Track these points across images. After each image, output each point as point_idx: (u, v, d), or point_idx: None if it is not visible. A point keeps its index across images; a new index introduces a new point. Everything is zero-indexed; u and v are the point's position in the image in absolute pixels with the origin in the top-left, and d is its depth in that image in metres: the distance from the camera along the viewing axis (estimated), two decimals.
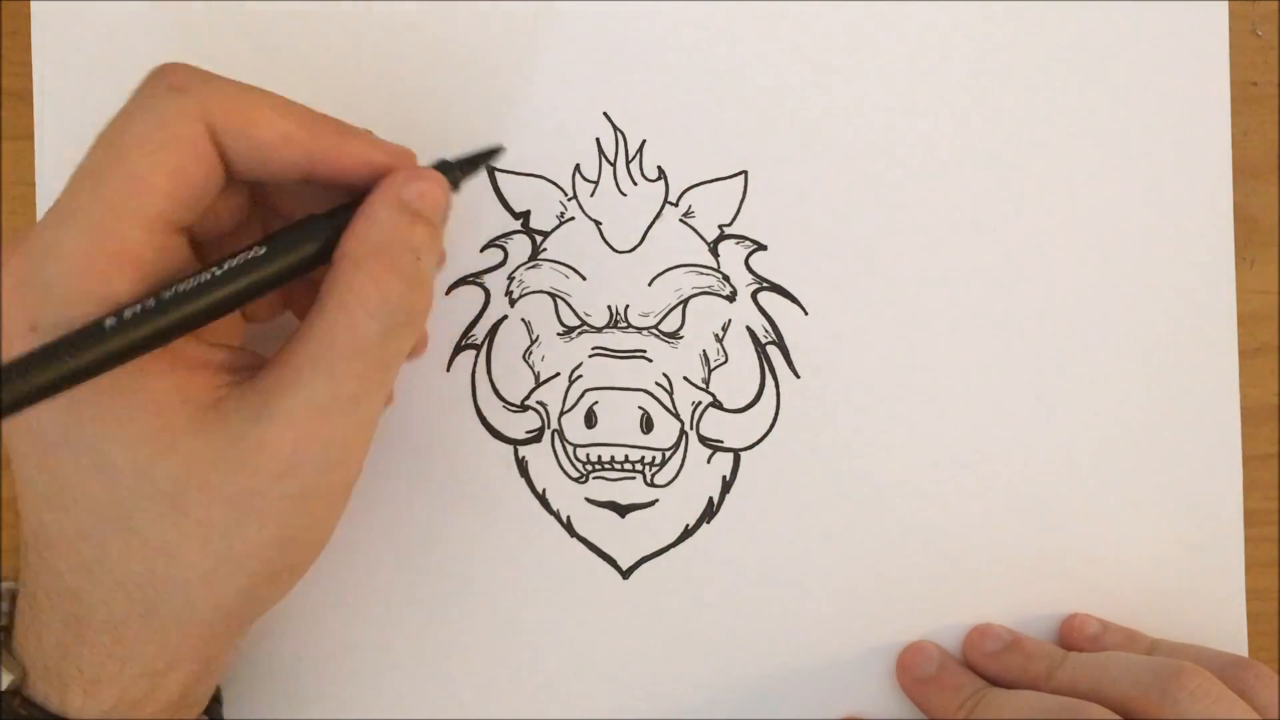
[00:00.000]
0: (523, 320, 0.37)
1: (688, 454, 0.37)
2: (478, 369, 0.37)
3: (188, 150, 0.27)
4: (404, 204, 0.28)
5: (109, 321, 0.26)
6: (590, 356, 0.37)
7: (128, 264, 0.26)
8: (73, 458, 0.27)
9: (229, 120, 0.27)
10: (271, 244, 0.28)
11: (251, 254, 0.28)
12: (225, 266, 0.28)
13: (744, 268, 0.37)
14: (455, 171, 0.31)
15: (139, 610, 0.28)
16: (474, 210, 0.37)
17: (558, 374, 0.37)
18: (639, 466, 0.37)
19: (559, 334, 0.37)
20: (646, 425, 0.37)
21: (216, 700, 0.33)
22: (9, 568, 0.37)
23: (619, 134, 0.37)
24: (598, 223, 0.37)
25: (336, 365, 0.27)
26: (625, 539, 0.37)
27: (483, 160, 0.32)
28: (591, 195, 0.37)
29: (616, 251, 0.37)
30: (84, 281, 0.26)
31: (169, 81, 0.27)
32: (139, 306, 0.26)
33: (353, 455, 0.29)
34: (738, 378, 0.37)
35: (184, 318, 0.27)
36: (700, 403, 0.37)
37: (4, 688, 0.29)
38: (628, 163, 0.37)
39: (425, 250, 0.28)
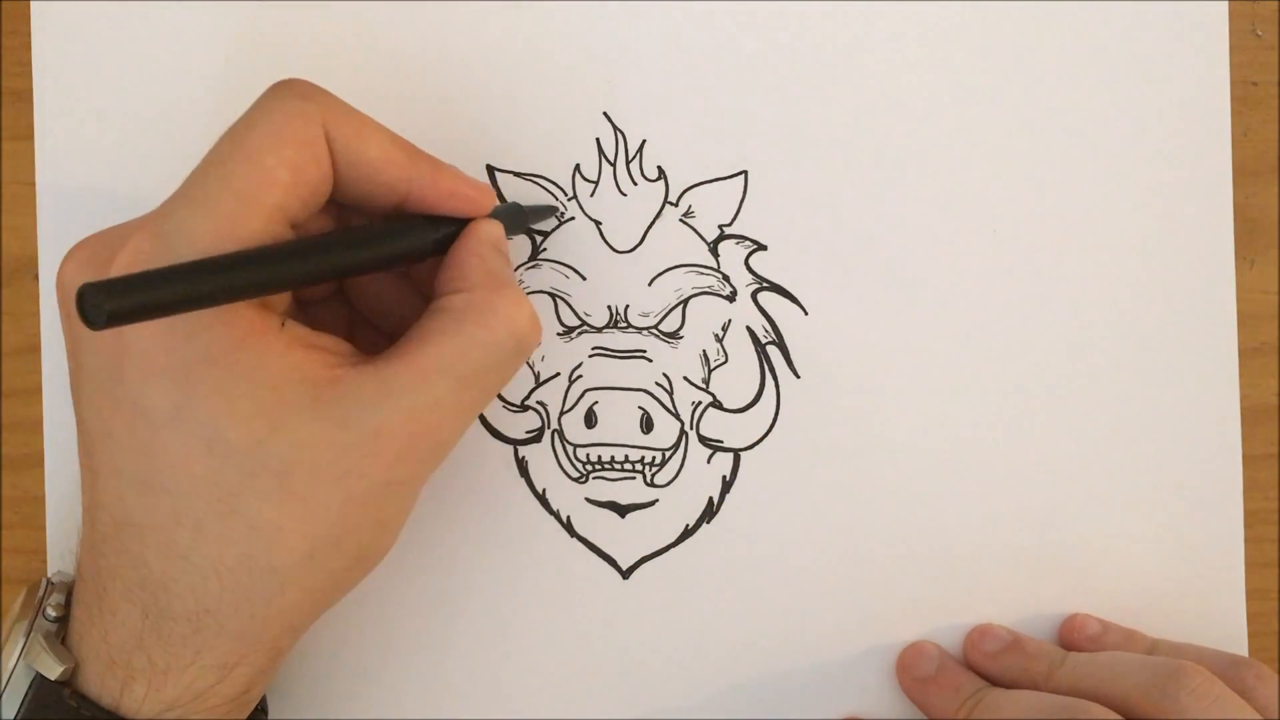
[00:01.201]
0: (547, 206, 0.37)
1: (688, 454, 0.37)
2: None
3: (308, 150, 0.29)
4: (497, 245, 0.32)
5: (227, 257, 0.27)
6: (590, 356, 0.37)
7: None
8: (182, 435, 0.27)
9: (345, 133, 0.29)
10: (384, 227, 0.31)
11: (366, 229, 0.30)
12: (339, 233, 0.29)
13: (744, 268, 0.37)
14: (516, 219, 0.35)
15: (230, 598, 0.28)
16: None
17: (558, 374, 0.37)
18: (639, 466, 0.37)
19: (559, 334, 0.37)
20: (646, 425, 0.37)
21: (262, 710, 0.33)
22: (9, 567, 0.37)
23: (619, 134, 0.37)
24: (598, 223, 0.37)
25: (467, 375, 0.29)
26: (625, 539, 0.37)
27: (537, 217, 0.36)
28: (591, 195, 0.37)
29: (616, 251, 0.37)
30: None
31: (295, 90, 0.30)
32: (258, 249, 0.27)
33: (445, 454, 0.30)
34: (738, 378, 0.37)
35: (301, 268, 0.28)
36: (700, 403, 0.37)
37: (53, 678, 0.29)
38: (628, 163, 0.37)
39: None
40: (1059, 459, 0.38)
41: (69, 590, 0.31)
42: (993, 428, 0.37)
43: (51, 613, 0.31)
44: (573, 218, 0.37)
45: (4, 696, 0.29)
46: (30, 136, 0.37)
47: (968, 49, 0.37)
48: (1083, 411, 0.38)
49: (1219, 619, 0.38)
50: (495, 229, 0.32)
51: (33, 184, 0.37)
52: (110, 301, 0.24)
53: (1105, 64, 0.37)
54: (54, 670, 0.29)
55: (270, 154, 0.28)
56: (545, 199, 0.37)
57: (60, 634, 0.30)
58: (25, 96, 0.37)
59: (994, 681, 0.36)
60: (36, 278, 0.37)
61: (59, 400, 0.36)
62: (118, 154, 0.37)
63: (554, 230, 0.37)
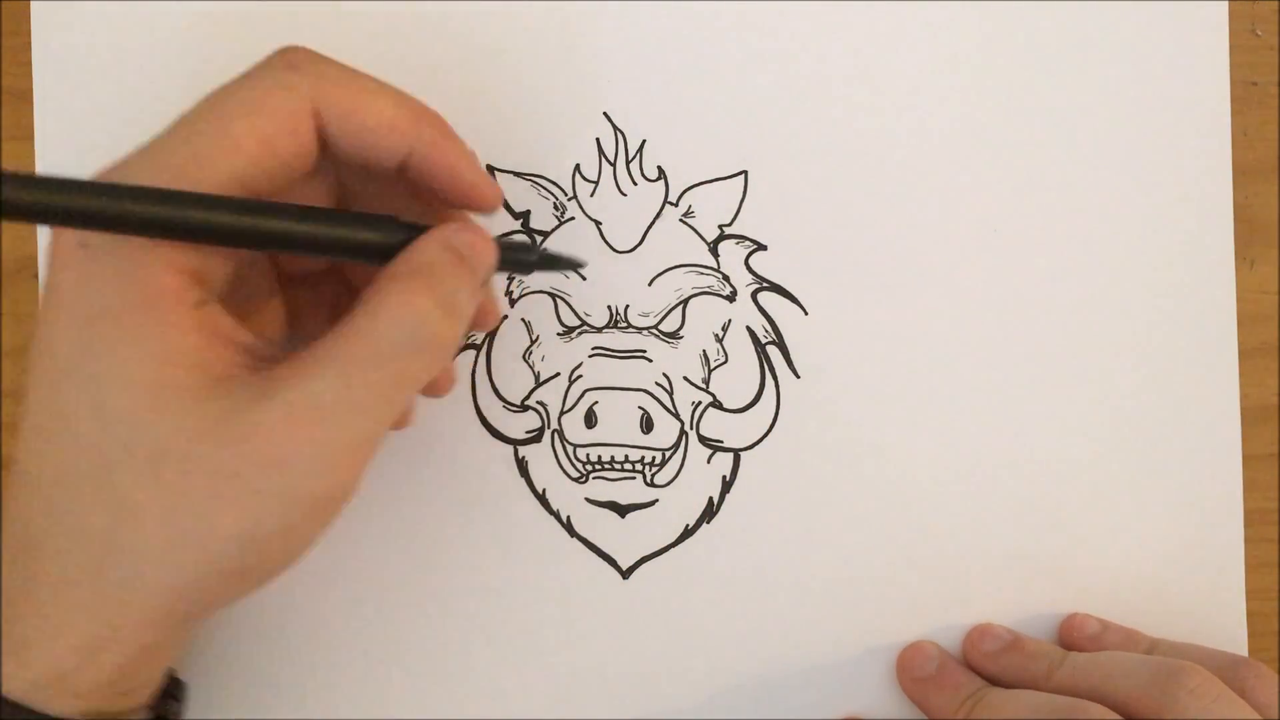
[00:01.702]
0: (523, 320, 0.37)
1: (688, 454, 0.37)
2: (478, 369, 0.37)
3: (284, 123, 0.28)
4: (453, 246, 0.29)
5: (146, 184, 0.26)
6: (590, 356, 0.37)
7: None
8: (75, 390, 0.26)
9: (336, 102, 0.28)
10: (340, 213, 0.29)
11: (318, 208, 0.28)
12: (282, 203, 0.28)
13: (744, 268, 0.37)
14: (525, 253, 0.31)
15: (88, 568, 0.27)
16: None
17: (558, 374, 0.37)
18: (639, 466, 0.37)
19: (559, 334, 0.37)
20: (646, 425, 0.37)
21: (174, 698, 0.32)
22: None
23: (619, 134, 0.37)
24: (598, 223, 0.37)
25: (350, 369, 0.27)
26: (625, 539, 0.37)
27: (558, 265, 0.32)
28: (591, 195, 0.37)
29: (616, 251, 0.37)
30: None
31: (285, 59, 0.29)
32: (179, 192, 0.26)
33: (342, 467, 0.27)
34: (738, 378, 0.37)
35: (230, 223, 0.27)
36: (700, 403, 0.37)
37: None
38: (628, 163, 0.37)
39: (463, 288, 0.28)
40: (1059, 459, 0.38)
41: None
42: (993, 428, 0.37)
43: None
44: (573, 218, 0.37)
45: None
46: (30, 136, 0.37)
47: (968, 49, 0.37)
48: (1083, 411, 0.38)
49: (1219, 619, 0.38)
50: (462, 235, 0.29)
51: None
52: (14, 192, 0.24)
53: (1106, 64, 0.37)
54: None
55: (240, 121, 0.27)
56: (544, 199, 0.37)
57: None
58: (25, 96, 0.37)
59: (994, 681, 0.36)
60: (36, 277, 0.37)
61: None
62: (118, 154, 0.37)
63: (554, 230, 0.37)
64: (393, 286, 0.27)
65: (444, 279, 0.28)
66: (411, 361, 0.28)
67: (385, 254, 0.29)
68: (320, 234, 0.28)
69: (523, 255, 0.31)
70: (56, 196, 0.25)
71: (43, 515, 0.27)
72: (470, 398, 0.37)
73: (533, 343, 0.37)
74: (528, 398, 0.37)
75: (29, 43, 0.37)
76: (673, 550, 0.37)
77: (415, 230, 0.29)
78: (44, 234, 0.37)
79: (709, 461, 0.37)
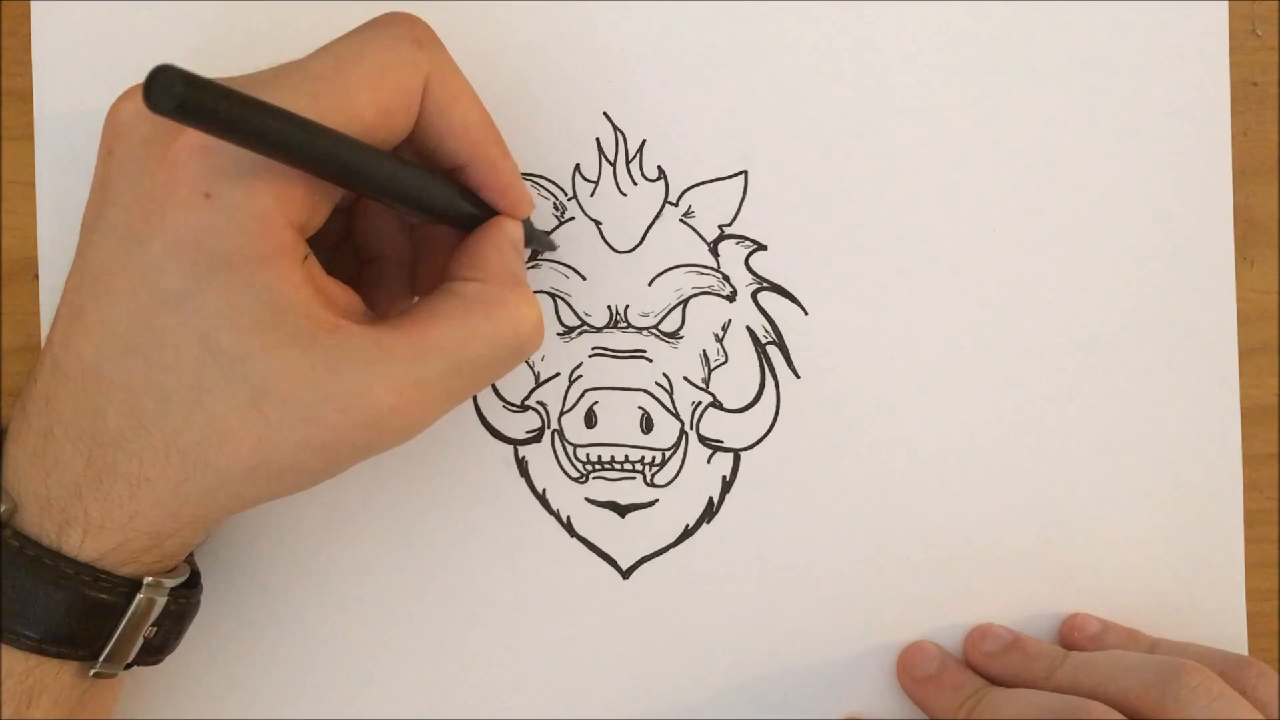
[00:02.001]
0: (549, 237, 0.37)
1: (688, 454, 0.37)
2: None
3: (402, 99, 0.29)
4: (517, 246, 0.32)
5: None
6: (590, 356, 0.37)
7: None
8: (181, 319, 0.27)
9: (441, 91, 0.30)
10: (437, 178, 0.31)
11: (422, 171, 0.30)
12: (401, 161, 0.30)
13: (744, 268, 0.37)
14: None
15: (171, 476, 0.29)
16: None
17: (558, 374, 0.37)
18: (639, 466, 0.37)
19: (559, 334, 0.37)
20: (646, 425, 0.37)
21: (194, 569, 0.34)
22: None
23: (619, 134, 0.37)
24: (598, 223, 0.37)
25: (461, 363, 0.29)
26: (625, 539, 0.37)
27: (541, 245, 0.37)
28: (591, 195, 0.37)
29: (616, 251, 0.37)
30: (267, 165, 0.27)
31: (413, 33, 0.30)
32: (332, 130, 0.27)
33: (413, 434, 0.30)
34: (738, 378, 0.37)
35: (366, 166, 0.28)
36: (700, 403, 0.37)
37: None
38: (628, 163, 0.37)
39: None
40: (1059, 459, 0.38)
41: (1, 430, 0.31)
42: (992, 428, 0.37)
43: None
44: (573, 217, 0.37)
45: None
46: (30, 136, 0.37)
47: (968, 49, 0.37)
48: (1083, 411, 0.38)
49: (1219, 619, 0.38)
50: (518, 230, 0.32)
51: (33, 184, 0.37)
52: (187, 89, 0.23)
53: (1106, 64, 0.37)
54: None
55: (365, 91, 0.28)
56: (544, 199, 0.37)
57: None
58: (25, 96, 0.37)
59: (994, 681, 0.36)
60: (37, 278, 0.37)
61: None
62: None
63: (554, 230, 0.37)
64: (510, 296, 0.30)
65: (523, 278, 0.32)
66: (506, 364, 0.31)
67: (454, 219, 0.32)
68: (422, 191, 0.30)
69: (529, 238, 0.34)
70: (227, 107, 0.25)
71: (122, 417, 0.28)
72: (470, 398, 0.37)
73: None
74: (528, 398, 0.37)
75: (29, 43, 0.36)
76: (673, 550, 0.37)
77: (487, 211, 0.32)
78: (45, 235, 0.37)
79: (709, 461, 0.37)
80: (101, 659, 0.30)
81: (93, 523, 0.29)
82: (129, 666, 0.31)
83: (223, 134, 0.25)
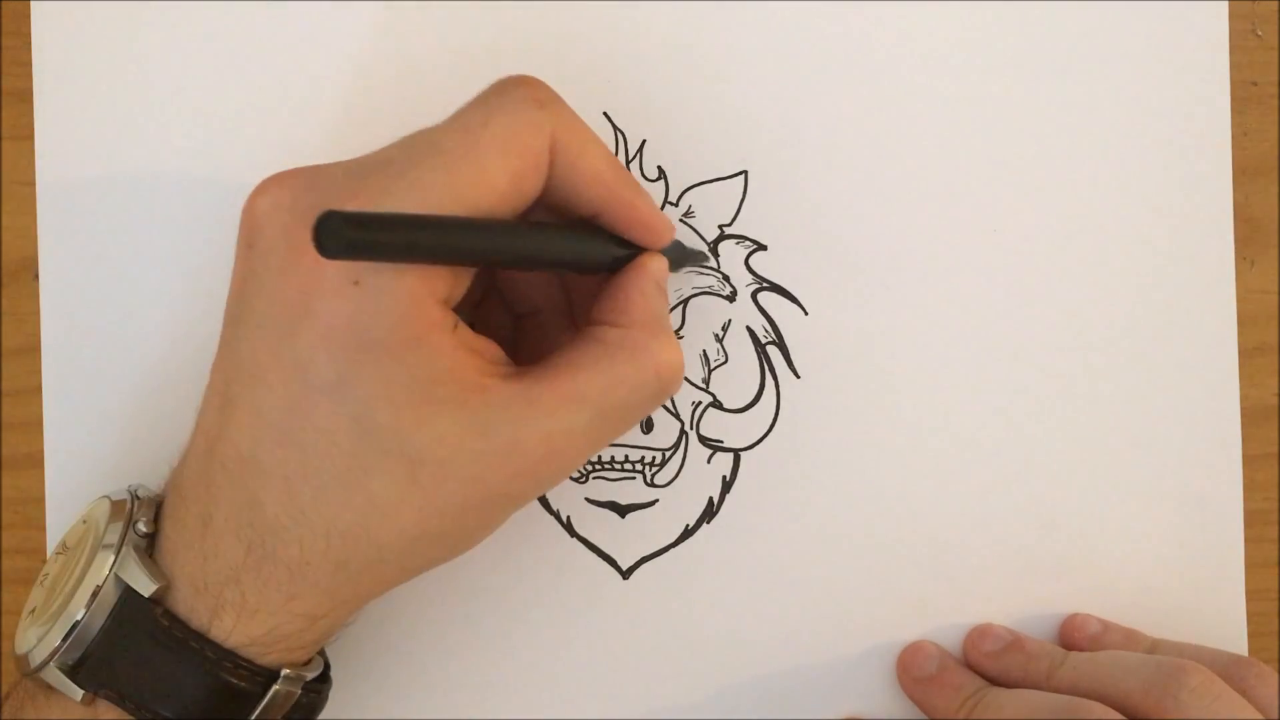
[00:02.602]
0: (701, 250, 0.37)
1: (688, 454, 0.37)
2: None
3: (532, 161, 0.29)
4: (660, 283, 0.32)
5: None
6: None
7: None
8: (334, 404, 0.28)
9: (568, 146, 0.30)
10: (575, 232, 0.32)
11: (560, 228, 0.31)
12: (539, 225, 0.31)
13: (744, 268, 0.37)
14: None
15: (332, 558, 0.29)
16: None
17: None
18: (639, 466, 0.37)
19: None
20: (646, 425, 0.37)
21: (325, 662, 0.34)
22: (9, 568, 0.37)
23: (619, 134, 0.37)
24: None
25: (608, 409, 0.30)
26: (625, 539, 0.37)
27: (695, 259, 0.37)
28: None
29: None
30: None
31: (533, 96, 0.30)
32: (482, 220, 0.28)
33: (563, 479, 0.31)
34: (738, 378, 0.37)
35: (513, 246, 0.29)
36: (700, 403, 0.37)
37: (146, 594, 0.29)
38: (628, 163, 0.37)
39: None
40: (1059, 459, 0.38)
41: (157, 507, 0.31)
42: (993, 427, 0.37)
43: (143, 528, 0.31)
44: None
45: (89, 610, 0.29)
46: (30, 136, 0.37)
47: (968, 49, 0.37)
48: (1083, 411, 0.38)
49: (1219, 619, 0.38)
50: (662, 266, 0.32)
51: (33, 184, 0.37)
52: (354, 232, 0.24)
53: (1106, 64, 0.37)
54: (147, 587, 0.29)
55: (496, 159, 0.29)
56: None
57: (149, 550, 0.30)
58: (25, 96, 0.37)
59: (994, 681, 0.36)
60: (36, 277, 0.37)
61: (59, 400, 0.36)
62: (118, 154, 0.37)
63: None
64: (653, 342, 0.31)
65: (667, 319, 0.32)
66: (648, 408, 0.31)
67: (597, 268, 0.32)
68: (563, 252, 0.31)
69: (676, 261, 0.35)
70: (393, 236, 0.26)
71: (281, 505, 0.29)
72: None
73: None
74: None
75: (29, 43, 0.37)
76: (673, 550, 0.37)
77: (630, 249, 0.32)
78: (45, 235, 0.37)
79: (709, 461, 0.37)
80: None
81: (248, 606, 0.29)
82: None
83: (387, 258, 0.26)
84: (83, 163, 0.37)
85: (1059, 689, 0.34)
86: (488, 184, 0.28)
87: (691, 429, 0.37)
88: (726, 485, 0.37)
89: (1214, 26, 0.38)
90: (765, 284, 0.37)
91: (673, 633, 0.37)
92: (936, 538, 0.37)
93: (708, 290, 0.37)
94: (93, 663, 0.29)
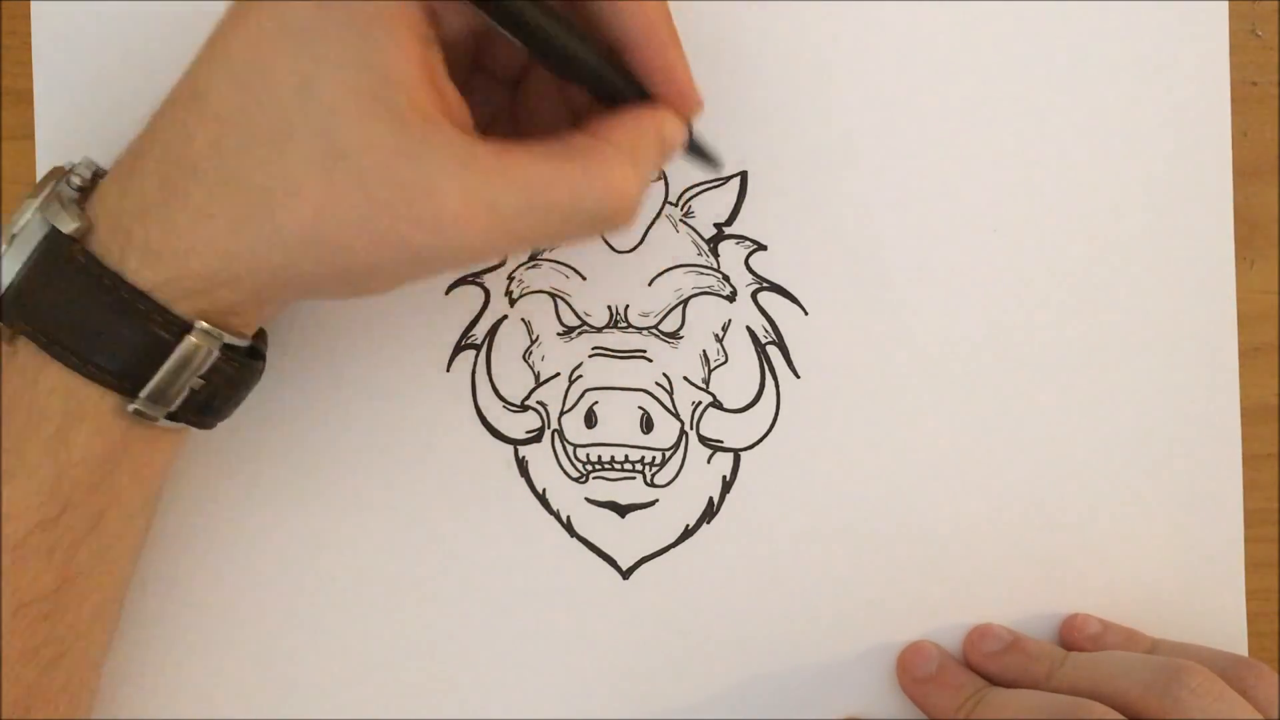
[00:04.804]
0: (522, 320, 0.37)
1: (688, 454, 0.37)
2: (478, 369, 0.37)
3: None
4: (662, 135, 0.31)
5: None
6: (590, 356, 0.37)
7: None
8: (291, 60, 0.27)
9: None
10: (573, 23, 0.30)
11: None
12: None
13: (744, 268, 0.37)
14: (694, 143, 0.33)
15: (232, 215, 0.28)
16: None
17: (558, 374, 0.37)
18: (639, 466, 0.37)
19: (559, 334, 0.37)
20: (646, 425, 0.37)
21: (261, 340, 0.34)
22: None
23: None
24: None
25: (538, 203, 0.29)
26: (625, 539, 0.37)
27: (704, 159, 0.34)
28: None
29: (616, 251, 0.37)
30: None
31: None
32: None
33: (465, 261, 0.30)
34: (738, 378, 0.37)
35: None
36: (700, 403, 0.37)
37: (66, 231, 0.29)
38: None
39: (651, 176, 0.32)
40: (1059, 459, 0.38)
41: (96, 172, 0.31)
42: (992, 428, 0.37)
43: (75, 181, 0.30)
44: None
45: (7, 251, 0.30)
46: (30, 136, 0.37)
47: (968, 49, 0.37)
48: (1083, 411, 0.38)
49: (1219, 619, 0.38)
50: (674, 126, 0.31)
51: (33, 184, 0.37)
52: None
53: (1105, 64, 0.37)
54: (67, 225, 0.29)
55: None
56: None
57: (79, 203, 0.30)
58: (25, 96, 0.37)
59: (994, 681, 0.36)
60: None
61: None
62: (117, 154, 0.37)
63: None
64: (614, 158, 0.29)
65: (647, 167, 0.31)
66: (587, 228, 0.30)
67: (606, 92, 0.31)
68: (572, 47, 0.30)
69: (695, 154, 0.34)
70: None
71: (207, 144, 0.28)
72: (470, 398, 0.37)
73: (533, 343, 0.37)
74: (528, 398, 0.37)
75: (29, 43, 0.36)
76: (673, 550, 0.37)
77: (637, 89, 0.31)
78: None
79: (709, 461, 0.37)
80: (143, 394, 0.30)
81: (151, 248, 0.29)
82: (175, 418, 0.31)
83: None
84: None
85: (1059, 689, 0.34)
86: None
87: (691, 429, 0.37)
88: (726, 485, 0.37)
89: (1214, 26, 0.38)
90: (765, 284, 0.37)
91: (673, 633, 0.37)
92: (936, 538, 0.37)
93: (708, 290, 0.37)
94: (13, 299, 0.29)
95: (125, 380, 0.30)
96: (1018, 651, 0.36)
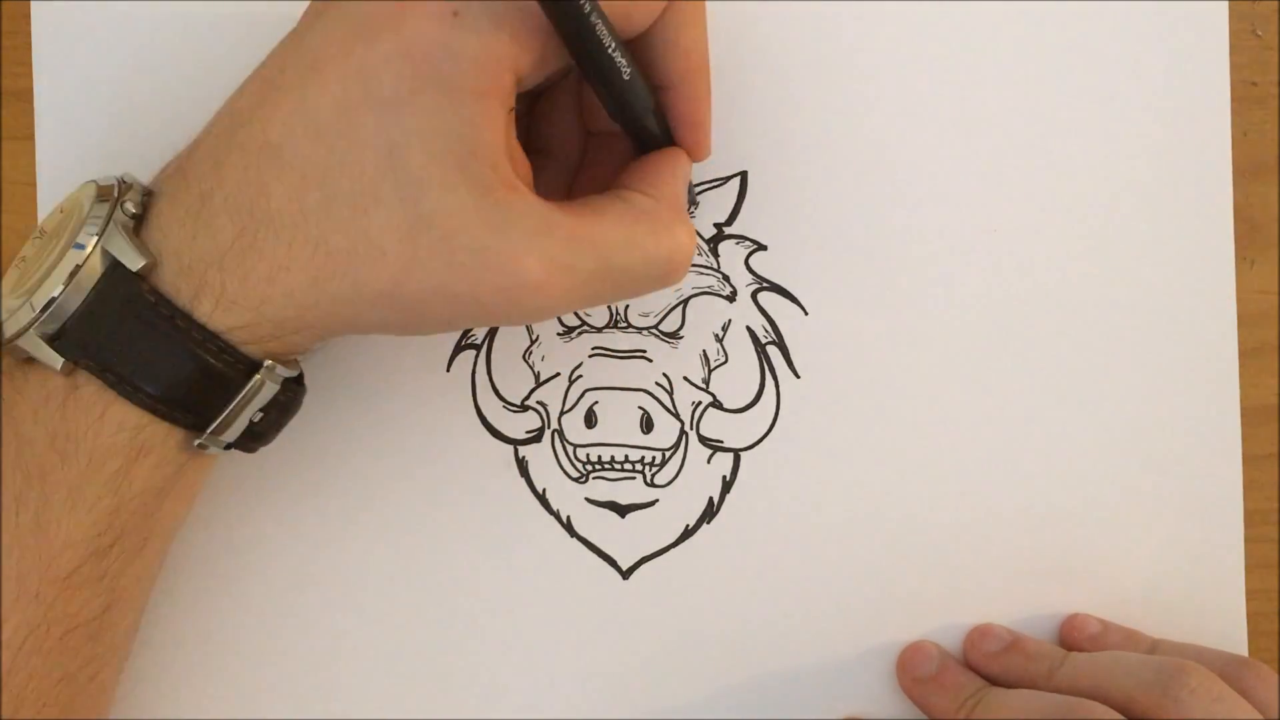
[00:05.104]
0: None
1: (688, 454, 0.37)
2: (478, 369, 0.37)
3: (648, 4, 0.30)
4: (687, 182, 0.33)
5: None
6: (590, 356, 0.37)
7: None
8: (380, 125, 0.28)
9: (677, 7, 0.30)
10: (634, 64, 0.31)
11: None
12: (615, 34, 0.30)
13: (744, 267, 0.37)
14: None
15: (311, 273, 0.29)
16: None
17: (558, 374, 0.37)
18: (639, 466, 0.37)
19: (559, 334, 0.37)
20: (646, 425, 0.37)
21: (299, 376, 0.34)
22: None
23: None
24: None
25: (614, 267, 0.29)
26: (625, 539, 0.37)
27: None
28: None
29: None
30: None
31: None
32: None
33: (538, 319, 0.32)
34: (738, 378, 0.37)
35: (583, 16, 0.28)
36: (700, 403, 0.37)
37: (134, 269, 0.29)
38: None
39: None
40: (1059, 459, 0.38)
41: (147, 194, 0.31)
42: (992, 428, 0.37)
43: (131, 208, 0.30)
44: None
45: (68, 286, 0.29)
46: (30, 136, 0.37)
47: (967, 49, 0.37)
48: (1082, 412, 0.38)
49: (1219, 619, 0.38)
50: (689, 168, 0.33)
51: (33, 184, 0.37)
52: None
53: (1105, 64, 0.37)
54: (135, 261, 0.29)
55: None
56: None
57: (135, 231, 0.30)
58: (25, 96, 0.37)
59: (994, 681, 0.36)
60: None
61: None
62: (118, 154, 0.37)
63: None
64: (676, 224, 0.31)
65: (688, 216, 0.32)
66: (647, 285, 0.31)
67: (642, 138, 0.32)
68: (637, 93, 0.31)
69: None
70: None
71: (287, 200, 0.29)
72: (470, 398, 0.37)
73: (533, 343, 0.37)
74: (528, 398, 0.37)
75: (29, 43, 0.37)
76: (673, 550, 0.37)
77: (665, 134, 0.33)
78: None
79: (709, 461, 0.37)
80: (209, 430, 0.30)
81: (227, 296, 0.29)
82: (229, 447, 0.31)
83: None
84: (83, 163, 0.37)
85: (1059, 689, 0.34)
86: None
87: (691, 429, 0.37)
88: (726, 485, 0.37)
89: (1214, 26, 0.38)
90: (765, 284, 0.37)
91: (673, 633, 0.37)
92: (936, 538, 0.37)
93: (708, 290, 0.37)
94: (73, 333, 0.29)
95: (192, 415, 0.30)
96: (1018, 651, 0.36)
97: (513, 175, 0.29)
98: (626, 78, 0.30)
